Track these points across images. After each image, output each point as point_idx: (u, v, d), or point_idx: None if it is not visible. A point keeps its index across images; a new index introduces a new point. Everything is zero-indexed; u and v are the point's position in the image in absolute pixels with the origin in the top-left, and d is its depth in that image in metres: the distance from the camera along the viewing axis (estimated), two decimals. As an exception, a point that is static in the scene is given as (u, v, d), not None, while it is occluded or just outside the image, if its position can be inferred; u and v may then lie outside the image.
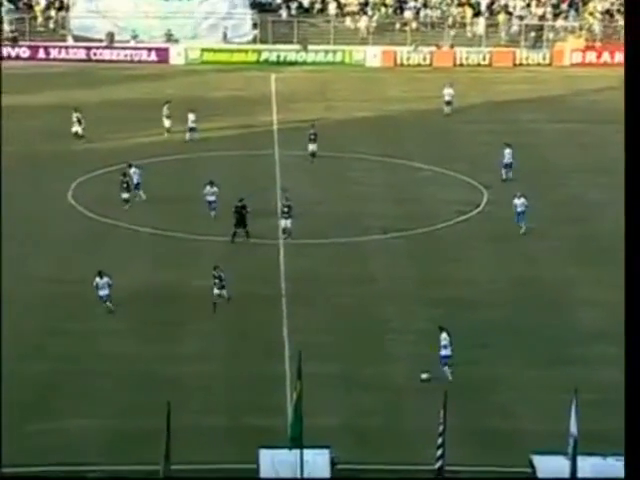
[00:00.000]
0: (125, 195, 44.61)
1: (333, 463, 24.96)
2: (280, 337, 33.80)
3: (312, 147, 51.20)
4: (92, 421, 28.80)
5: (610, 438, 27.38)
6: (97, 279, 35.11)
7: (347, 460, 25.87)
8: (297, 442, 24.15)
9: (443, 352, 31.24)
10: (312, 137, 51.20)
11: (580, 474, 23.53)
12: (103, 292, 35.03)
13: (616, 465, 24.42)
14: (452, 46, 72.01)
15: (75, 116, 53.71)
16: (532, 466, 24.90)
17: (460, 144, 54.41)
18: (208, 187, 43.63)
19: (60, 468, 26.19)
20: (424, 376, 31.30)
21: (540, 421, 28.96)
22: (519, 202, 42.20)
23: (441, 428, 24.06)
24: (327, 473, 24.61)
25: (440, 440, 24.17)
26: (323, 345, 32.06)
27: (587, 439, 24.02)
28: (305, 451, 24.15)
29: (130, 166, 45.88)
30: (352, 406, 30.06)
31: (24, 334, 33.55)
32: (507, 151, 48.76)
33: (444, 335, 31.33)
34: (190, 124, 54.06)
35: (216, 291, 35.35)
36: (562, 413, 24.36)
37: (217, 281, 35.35)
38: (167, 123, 54.88)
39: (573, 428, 23.23)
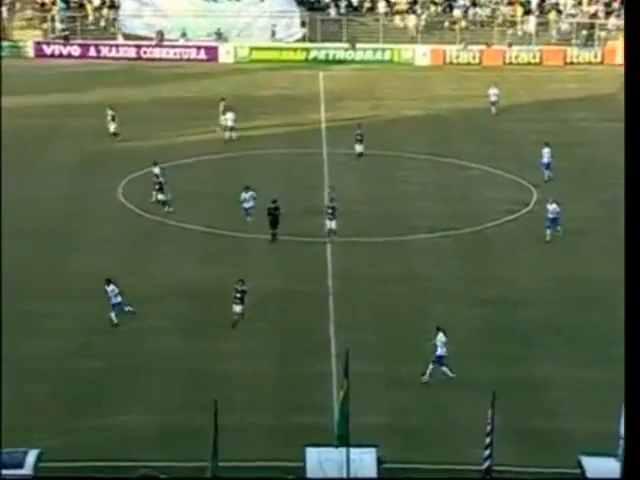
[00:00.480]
0: (160, 196, 44.08)
1: (380, 462, 24.93)
2: (326, 335, 33.82)
3: (359, 148, 51.05)
4: (141, 418, 29.01)
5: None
6: (106, 287, 34.24)
7: (394, 459, 25.83)
8: (344, 440, 24.15)
9: (439, 352, 30.90)
10: (359, 138, 51.06)
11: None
12: (115, 300, 34.22)
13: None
14: (510, 44, 71.35)
15: (109, 114, 53.72)
16: (581, 467, 24.72)
17: (509, 143, 54.11)
18: (244, 193, 42.72)
19: (109, 464, 26.40)
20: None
21: (589, 421, 28.74)
22: (551, 208, 41.47)
23: (489, 428, 23.94)
24: (374, 472, 24.60)
25: (488, 440, 24.06)
26: (369, 344, 32.03)
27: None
28: (352, 450, 24.14)
29: (155, 164, 45.47)
30: (398, 405, 30.02)
31: (75, 331, 33.83)
32: (546, 150, 48.31)
33: (440, 335, 31.03)
34: (229, 123, 53.79)
35: (236, 308, 34.09)
36: (611, 413, 24.14)
37: (238, 295, 34.05)
38: (223, 120, 54.98)
39: (623, 429, 22.99)
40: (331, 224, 41.25)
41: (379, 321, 34.73)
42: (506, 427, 27.10)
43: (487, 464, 24.33)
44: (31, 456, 24.14)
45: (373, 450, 24.98)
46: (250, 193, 42.67)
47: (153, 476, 25.71)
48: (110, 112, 53.91)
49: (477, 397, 27.97)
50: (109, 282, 34.33)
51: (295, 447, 25.72)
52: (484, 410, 24.10)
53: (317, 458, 24.68)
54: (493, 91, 59.30)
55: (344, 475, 24.05)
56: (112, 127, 53.68)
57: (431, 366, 30.89)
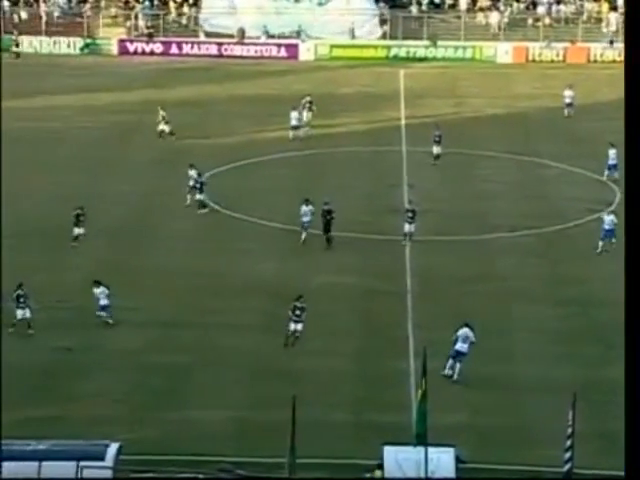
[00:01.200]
0: (199, 196, 43.52)
1: (458, 461, 24.74)
2: (405, 333, 33.69)
3: (436, 149, 49.84)
4: (220, 413, 29.12)
5: None
6: (94, 289, 33.66)
7: (471, 459, 25.63)
8: (422, 439, 24.02)
9: (458, 347, 30.55)
10: (437, 139, 50.01)
11: None
12: (103, 302, 33.61)
13: None
14: (611, 42, 70.29)
15: (161, 115, 53.31)
16: (662, 471, 24.26)
17: (591, 142, 53.41)
18: (303, 206, 40.25)
19: (187, 458, 26.57)
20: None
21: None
22: (608, 219, 39.61)
23: (570, 430, 23.63)
24: (452, 471, 24.41)
25: (569, 442, 23.74)
26: (448, 342, 31.78)
27: None
28: (430, 449, 23.99)
29: (192, 167, 44.48)
30: (477, 404, 29.78)
31: (153, 325, 34.12)
32: (612, 151, 47.16)
33: (464, 330, 30.67)
34: (293, 122, 53.05)
35: (294, 326, 32.58)
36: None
37: (298, 312, 32.56)
38: (305, 116, 54.92)
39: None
40: (410, 227, 40.32)
41: (458, 320, 34.42)
42: (587, 429, 26.74)
43: (568, 467, 24.00)
44: (112, 449, 24.37)
45: (451, 450, 24.79)
46: (310, 207, 40.22)
47: (230, 471, 25.83)
48: (162, 113, 53.31)
49: (557, 398, 27.64)
50: (98, 284, 33.69)
51: (373, 445, 25.63)
52: (564, 412, 23.81)
53: (394, 457, 24.57)
54: (568, 93, 58.12)
55: (422, 474, 23.91)
56: (163, 127, 52.92)
57: (450, 361, 30.66)
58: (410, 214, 40.56)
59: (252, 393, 30.30)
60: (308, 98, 55.63)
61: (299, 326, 32.61)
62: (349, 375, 31.46)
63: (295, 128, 53.23)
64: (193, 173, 44.44)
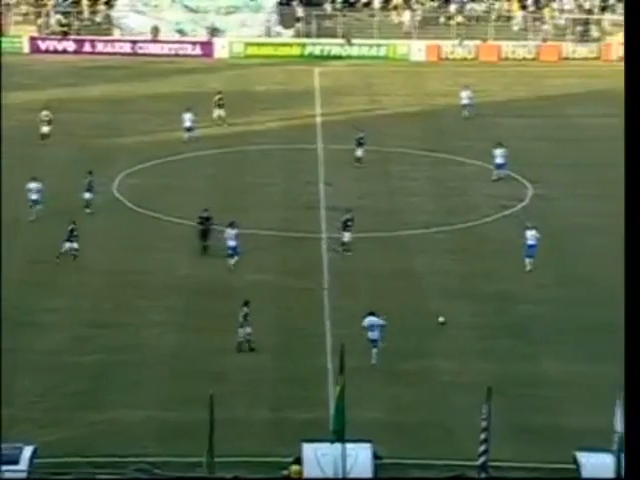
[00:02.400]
0: (87, 195, 43.12)
1: (375, 457, 24.89)
2: (323, 331, 33.79)
3: (359, 152, 49.55)
4: (138, 413, 28.95)
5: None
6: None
7: (389, 454, 25.80)
8: (339, 436, 24.11)
9: (370, 336, 31.53)
10: (360, 141, 49.75)
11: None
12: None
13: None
14: (543, 40, 71.01)
15: (44, 115, 52.04)
16: (576, 463, 24.69)
17: (506, 138, 54.02)
18: (229, 230, 38.47)
19: (105, 459, 26.35)
20: (440, 319, 33.85)
21: (585, 418, 28.72)
22: (530, 234, 38.35)
23: (485, 424, 23.91)
24: (369, 467, 24.54)
25: (484, 436, 24.02)
26: (365, 339, 31.94)
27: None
28: (347, 445, 24.09)
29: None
30: (394, 400, 29.99)
31: (72, 325, 33.79)
32: (499, 151, 47.44)
33: (370, 319, 31.59)
34: (187, 124, 52.08)
35: (242, 330, 32.38)
36: (607, 410, 24.11)
37: (245, 317, 32.43)
38: (218, 113, 54.74)
39: (619, 425, 22.97)
40: (347, 236, 39.46)
41: (375, 317, 34.69)
42: (504, 423, 27.05)
43: (482, 460, 24.28)
44: (27, 452, 24.04)
45: (368, 445, 24.93)
46: (235, 231, 38.28)
47: (148, 471, 25.69)
48: (44, 113, 51.96)
49: (474, 393, 27.92)
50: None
51: (292, 442, 25.67)
52: (481, 406, 24.05)
53: (313, 453, 24.62)
54: (465, 94, 57.79)
55: (340, 470, 24.01)
56: (45, 129, 51.65)
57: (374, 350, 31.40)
58: (350, 222, 39.56)
59: (171, 393, 30.15)
60: (219, 95, 55.47)
61: (248, 330, 32.42)
62: (268, 373, 31.46)
63: (189, 130, 52.23)
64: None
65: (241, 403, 29.47)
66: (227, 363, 31.75)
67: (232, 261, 38.13)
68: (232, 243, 38.22)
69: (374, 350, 31.54)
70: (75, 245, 38.42)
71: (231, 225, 38.49)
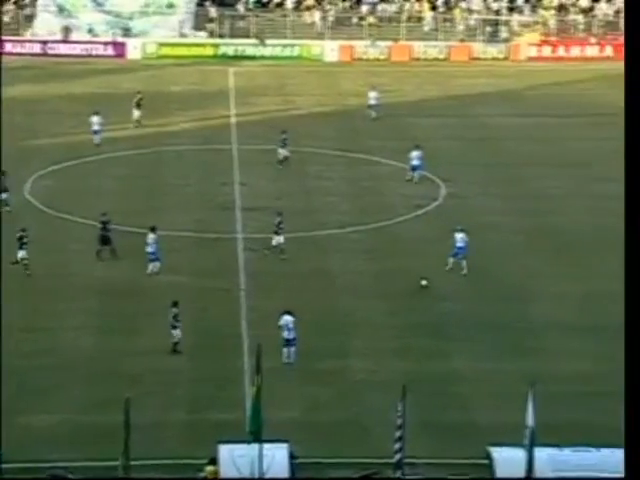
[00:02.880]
0: (4, 195, 42.87)
1: (292, 457, 25.04)
2: (239, 331, 33.85)
3: (283, 152, 49.46)
4: (54, 416, 28.74)
5: (566, 430, 27.73)
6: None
7: (306, 454, 25.95)
8: (256, 436, 24.20)
9: (285, 335, 31.61)
10: (284, 143, 49.67)
11: (537, 465, 23.74)
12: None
13: (572, 456, 24.71)
14: (461, 40, 71.75)
15: None
16: (489, 458, 25.12)
17: (418, 138, 54.57)
18: (151, 234, 38.21)
19: (18, 465, 26.09)
20: (423, 282, 35.87)
21: (498, 413, 29.18)
22: (459, 237, 38.65)
23: (400, 422, 24.19)
24: (286, 467, 24.68)
25: (399, 434, 24.30)
26: (281, 339, 32.06)
27: (544, 430, 24.24)
28: (264, 445, 24.20)
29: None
30: (310, 400, 30.16)
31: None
32: (415, 153, 47.62)
33: (286, 318, 31.68)
34: (95, 127, 51.49)
35: (174, 332, 32.32)
36: (520, 405, 24.57)
37: (176, 318, 32.34)
38: (136, 114, 54.55)
39: (530, 420, 23.44)
40: (279, 239, 39.40)
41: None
42: (418, 420, 27.39)
43: (398, 457, 24.55)
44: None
45: (285, 445, 25.08)
46: (155, 235, 38.10)
47: (62, 476, 25.48)
48: None
49: (389, 391, 28.21)
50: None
51: (208, 443, 25.70)
52: (396, 404, 24.32)
53: (229, 454, 24.71)
54: (373, 94, 57.92)
55: (256, 471, 24.11)
56: None
57: (284, 349, 31.58)
58: (282, 225, 39.54)
59: (88, 396, 29.96)
60: (139, 96, 55.21)
61: (177, 332, 32.33)
62: (184, 374, 31.42)
63: (96, 132, 51.55)
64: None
65: (157, 405, 29.40)
66: (143, 365, 31.64)
67: (151, 266, 37.98)
68: (151, 249, 38.06)
69: (291, 349, 31.63)
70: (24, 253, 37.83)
71: (152, 230, 38.32)
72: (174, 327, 32.43)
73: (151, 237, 38.10)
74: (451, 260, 38.75)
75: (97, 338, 33.32)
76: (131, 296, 36.23)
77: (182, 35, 72.88)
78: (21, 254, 37.70)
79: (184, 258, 39.62)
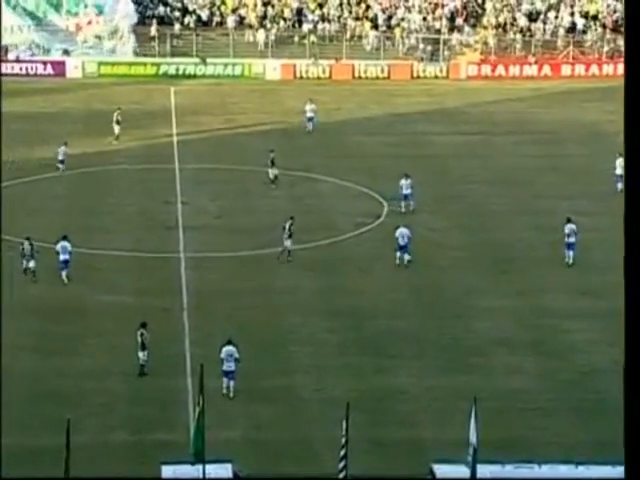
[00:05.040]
0: None
1: (236, 476, 24.92)
2: (182, 351, 33.65)
3: (272, 171, 49.48)
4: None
5: (509, 446, 27.89)
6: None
7: (250, 473, 25.84)
8: (199, 456, 24.05)
9: (226, 368, 30.75)
10: (272, 162, 49.65)
11: (480, 481, 23.83)
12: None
13: (515, 473, 24.84)
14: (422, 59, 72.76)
15: None
16: (432, 474, 25.18)
17: (360, 156, 54.84)
18: (63, 241, 38.70)
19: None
20: (407, 257, 39.19)
21: (442, 430, 29.27)
22: (405, 232, 40.40)
23: (344, 439, 24.16)
24: (230, 487, 24.56)
25: (343, 451, 24.27)
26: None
27: (486, 447, 24.34)
28: (207, 465, 24.06)
29: None
30: (254, 419, 30.05)
31: None
32: (404, 182, 46.41)
33: (229, 348, 30.88)
34: (60, 157, 50.38)
35: (141, 353, 32.05)
36: (463, 421, 24.66)
37: (144, 341, 32.08)
38: (117, 130, 54.57)
39: (472, 436, 23.53)
40: (287, 242, 40.73)
41: (235, 335, 34.63)
42: (362, 438, 27.41)
43: (342, 475, 24.50)
44: None
45: (228, 465, 24.96)
46: (67, 243, 38.63)
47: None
48: None
49: (333, 409, 28.20)
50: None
51: (151, 464, 25.49)
52: (340, 422, 24.30)
53: (173, 475, 24.53)
54: (310, 107, 58.45)
55: (201, 491, 23.96)
56: None
57: (224, 379, 30.80)
58: (291, 228, 40.86)
59: (28, 417, 29.59)
60: (118, 111, 55.18)
61: (143, 354, 32.05)
62: (126, 395, 31.17)
63: (62, 162, 50.77)
64: None
65: (99, 426, 29.13)
66: (83, 386, 31.33)
67: (65, 273, 38.23)
68: (64, 257, 38.45)
69: (230, 383, 30.79)
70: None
71: (65, 238, 38.69)
72: (143, 348, 32.02)
73: (64, 245, 38.49)
74: (397, 254, 40.23)
75: (36, 359, 32.93)
76: (71, 316, 35.86)
77: (122, 54, 72.47)
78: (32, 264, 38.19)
79: (125, 277, 39.37)
